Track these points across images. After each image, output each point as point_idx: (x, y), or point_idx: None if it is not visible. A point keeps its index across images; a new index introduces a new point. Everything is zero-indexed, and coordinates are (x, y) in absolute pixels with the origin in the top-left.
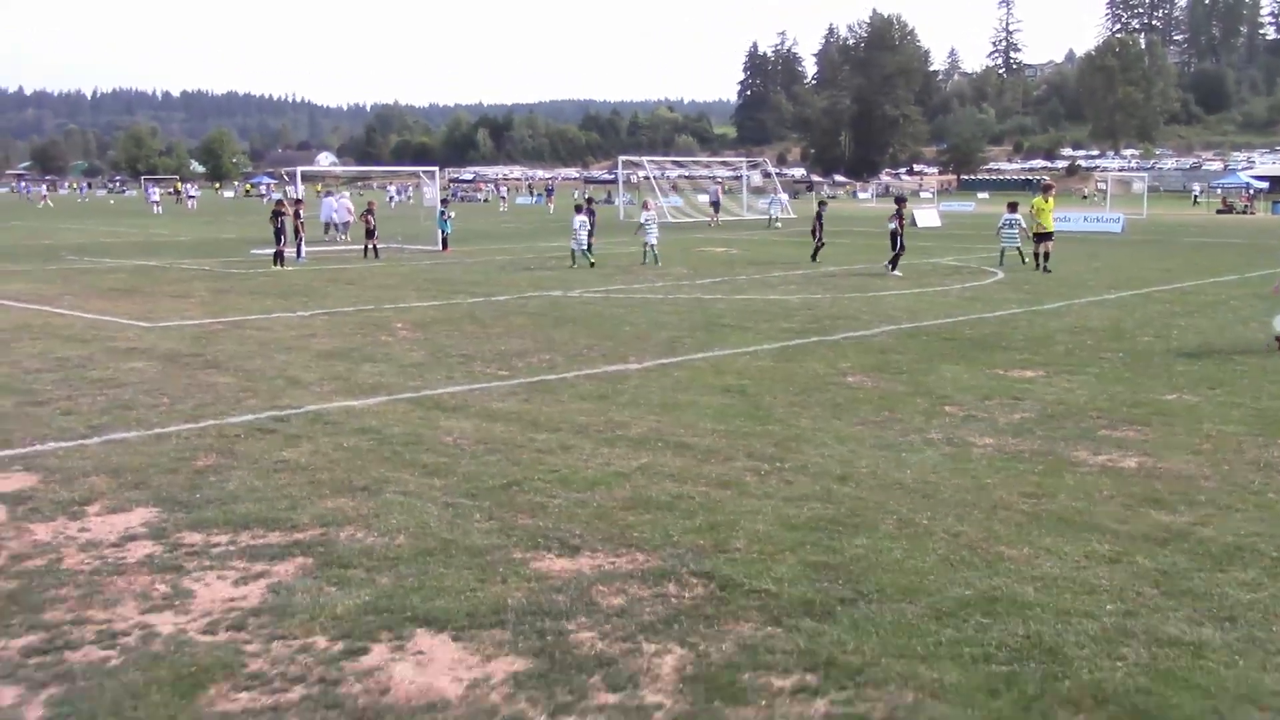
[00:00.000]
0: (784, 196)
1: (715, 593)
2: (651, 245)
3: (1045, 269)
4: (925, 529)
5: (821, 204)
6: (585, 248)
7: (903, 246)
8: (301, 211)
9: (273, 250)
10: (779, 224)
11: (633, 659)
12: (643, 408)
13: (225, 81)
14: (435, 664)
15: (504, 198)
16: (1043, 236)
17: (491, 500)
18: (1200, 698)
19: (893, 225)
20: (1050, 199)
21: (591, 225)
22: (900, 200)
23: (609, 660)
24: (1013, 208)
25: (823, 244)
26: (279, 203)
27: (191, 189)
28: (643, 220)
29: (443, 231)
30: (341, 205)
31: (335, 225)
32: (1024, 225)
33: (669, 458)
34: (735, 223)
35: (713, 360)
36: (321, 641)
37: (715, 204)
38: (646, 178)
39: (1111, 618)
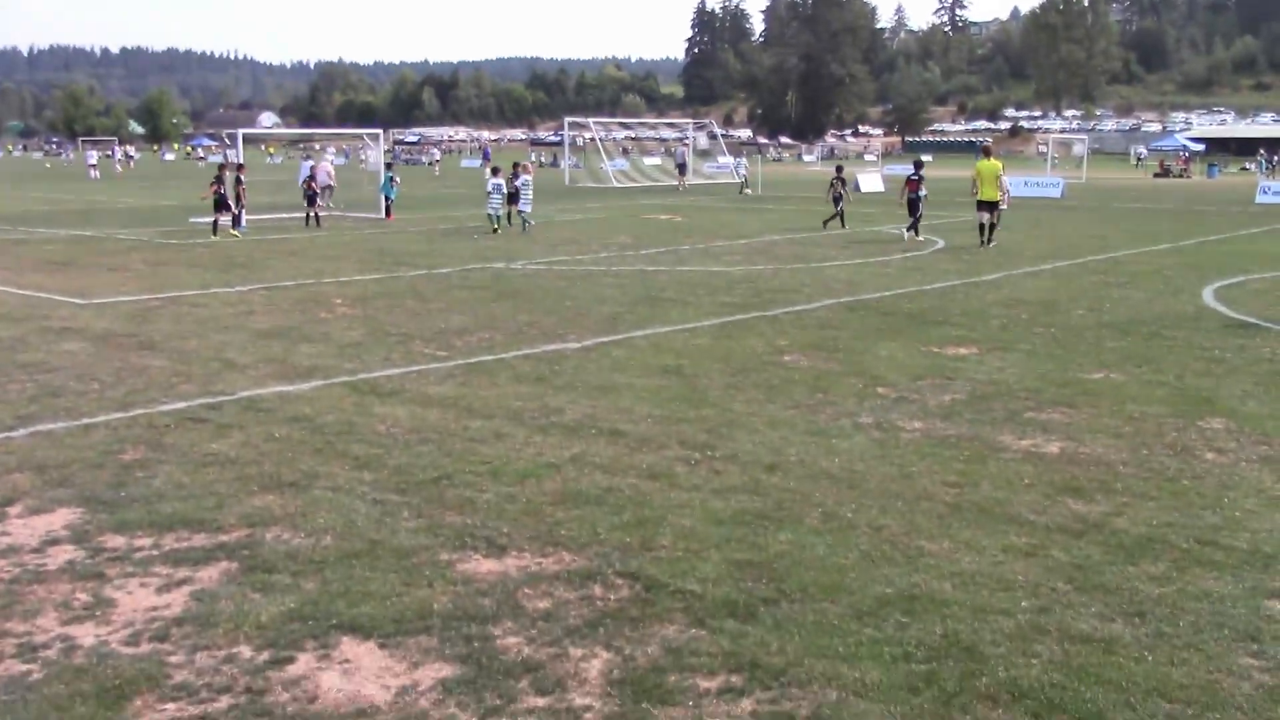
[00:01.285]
0: (734, 160)
1: (640, 594)
2: (524, 213)
3: (986, 241)
4: (849, 522)
5: (839, 168)
6: (500, 213)
7: (921, 211)
8: (243, 177)
9: (211, 219)
10: (749, 190)
11: (559, 663)
12: (579, 391)
13: (165, 38)
14: (362, 672)
15: (437, 161)
16: (987, 206)
17: (420, 496)
18: (1112, 692)
19: (921, 193)
20: (993, 160)
21: (521, 190)
22: (919, 164)
23: (536, 665)
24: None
25: (842, 210)
26: (220, 167)
27: (121, 152)
28: (518, 185)
29: (387, 198)
30: (322, 169)
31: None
32: (1008, 190)
33: (601, 446)
34: (678, 188)
35: (652, 338)
36: (246, 651)
37: (681, 166)
38: (592, 139)
39: (1026, 615)
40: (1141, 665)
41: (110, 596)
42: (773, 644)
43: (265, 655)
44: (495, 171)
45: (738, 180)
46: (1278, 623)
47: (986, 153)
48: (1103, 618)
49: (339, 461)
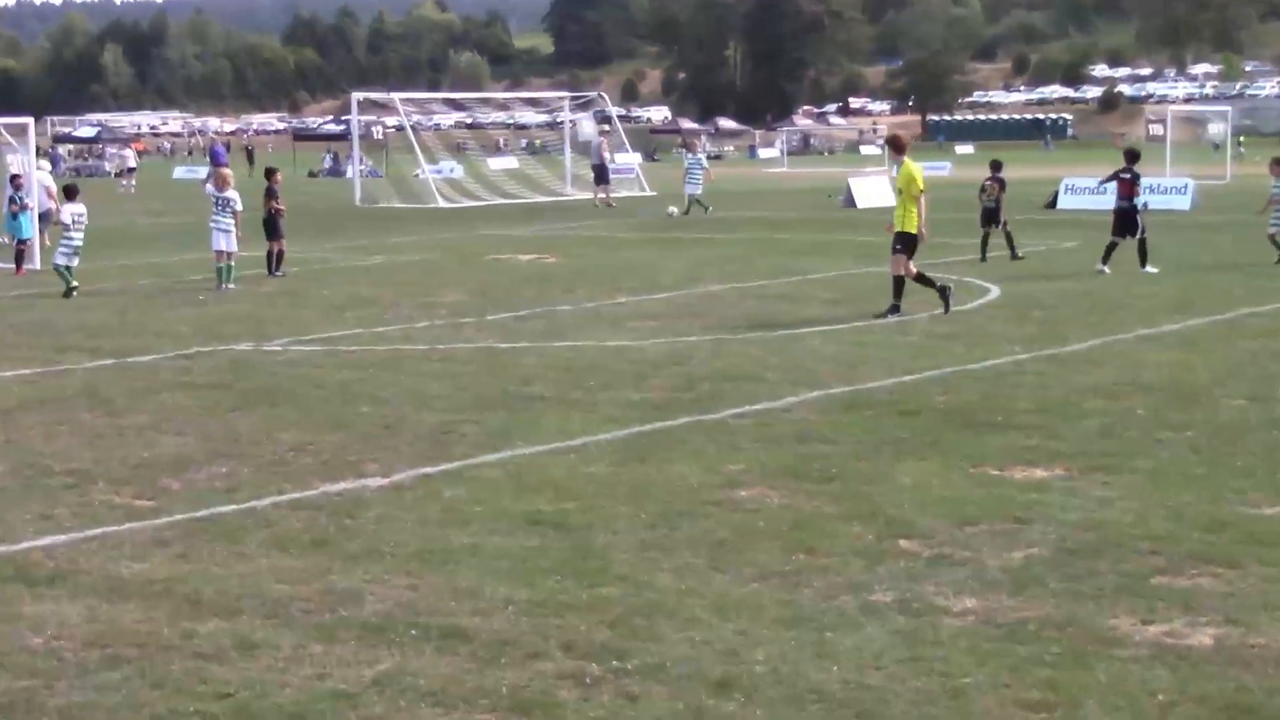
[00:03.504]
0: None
1: None
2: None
3: (890, 309)
4: None
5: (996, 165)
6: (66, 265)
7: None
8: None
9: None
10: (708, 207)
11: None
12: (388, 562)
13: None
14: None
15: (131, 170)
16: (906, 240)
17: None
18: None
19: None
20: (906, 162)
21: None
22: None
23: None
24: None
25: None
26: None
27: None
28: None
29: (16, 239)
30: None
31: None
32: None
33: (428, 660)
34: (556, 206)
35: (513, 465)
36: None
37: (599, 169)
38: (399, 128)
39: None
40: None
41: None
42: None
43: None
44: (70, 196)
45: (687, 194)
46: None
47: (894, 146)
48: None
49: None
